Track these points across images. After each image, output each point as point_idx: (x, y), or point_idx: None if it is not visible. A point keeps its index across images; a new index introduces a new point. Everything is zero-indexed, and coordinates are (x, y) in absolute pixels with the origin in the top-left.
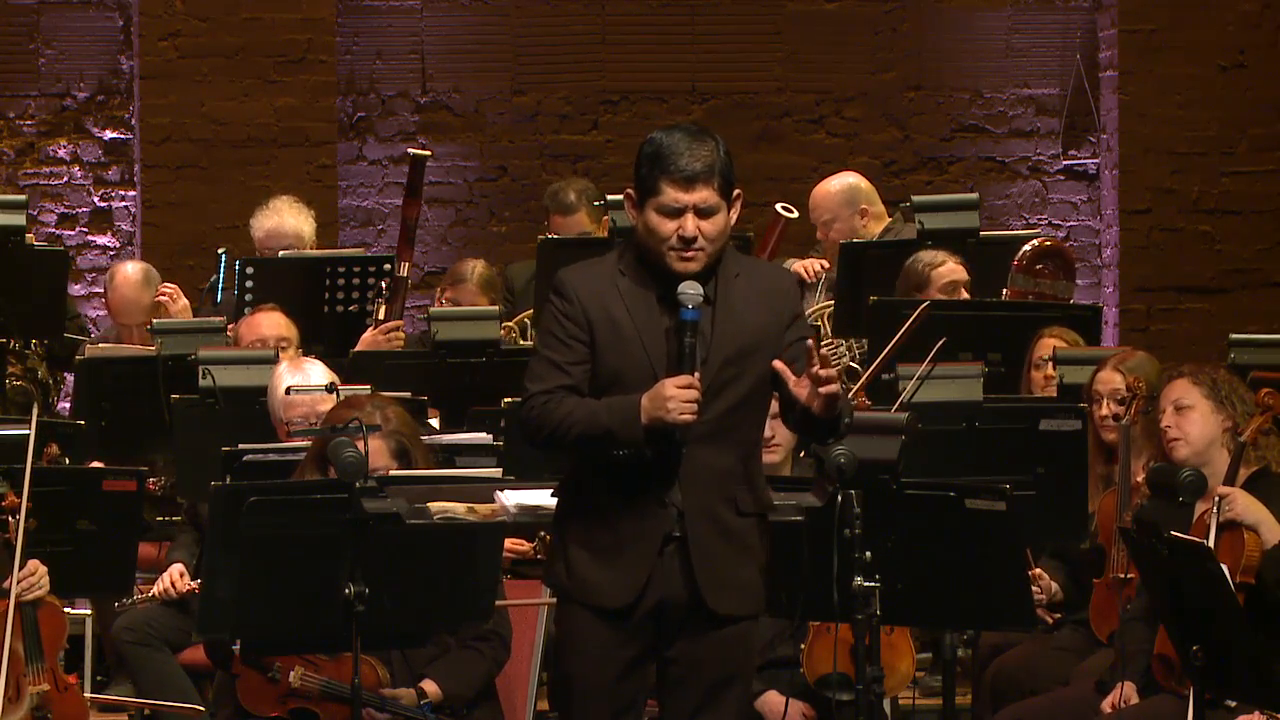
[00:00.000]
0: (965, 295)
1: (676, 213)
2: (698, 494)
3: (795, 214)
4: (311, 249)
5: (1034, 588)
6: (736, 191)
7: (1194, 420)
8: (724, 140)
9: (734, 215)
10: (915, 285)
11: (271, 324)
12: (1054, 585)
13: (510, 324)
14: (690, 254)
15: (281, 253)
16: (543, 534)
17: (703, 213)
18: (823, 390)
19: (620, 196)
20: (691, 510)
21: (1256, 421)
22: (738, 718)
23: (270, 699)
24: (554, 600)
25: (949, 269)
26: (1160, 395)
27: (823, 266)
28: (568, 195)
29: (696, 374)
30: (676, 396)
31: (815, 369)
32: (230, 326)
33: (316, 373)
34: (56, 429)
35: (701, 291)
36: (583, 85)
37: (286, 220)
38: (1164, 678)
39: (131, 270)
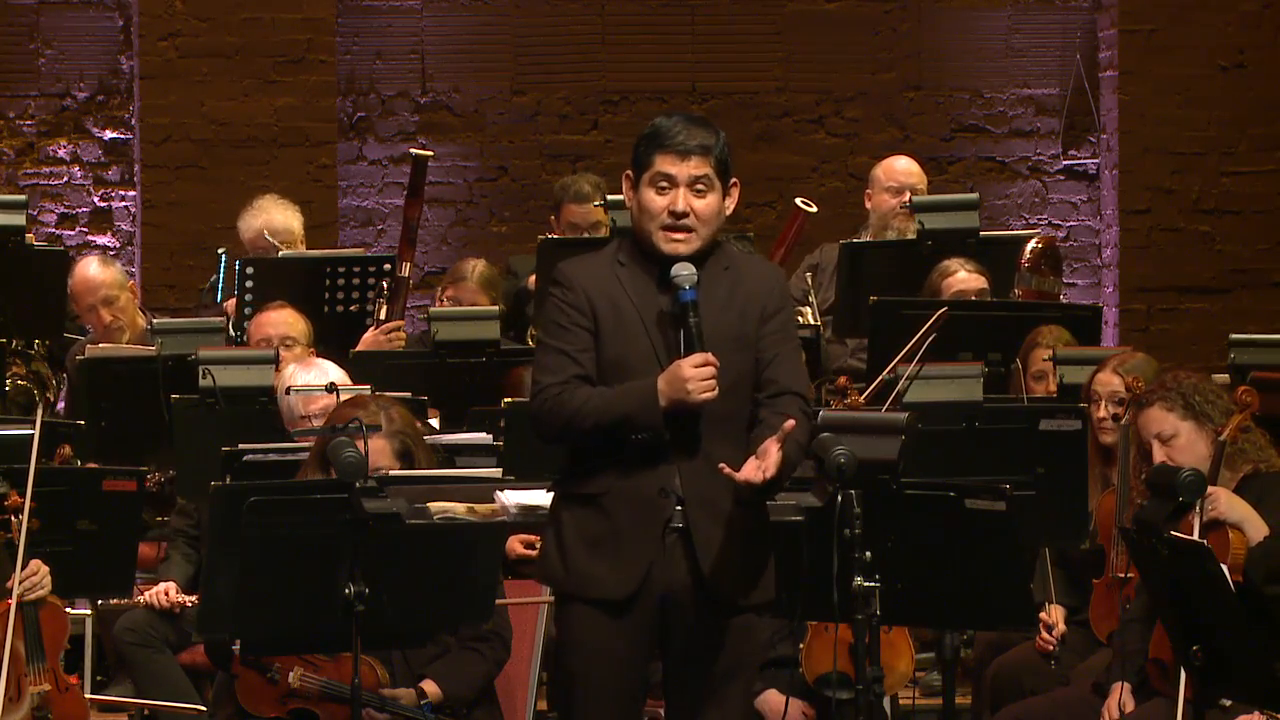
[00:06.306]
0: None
1: (669, 186)
2: (697, 482)
3: (815, 209)
4: (301, 244)
5: (1045, 633)
6: (734, 181)
7: (1183, 448)
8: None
9: (730, 204)
10: (930, 293)
11: (277, 322)
12: (1062, 626)
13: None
14: (680, 235)
15: (282, 252)
16: None
17: (696, 189)
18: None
19: (621, 196)
20: (691, 498)
21: (1235, 420)
22: (742, 713)
23: (270, 699)
24: (554, 600)
25: (958, 279)
26: (1138, 426)
27: None
28: (582, 186)
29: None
30: (695, 376)
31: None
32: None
33: (330, 369)
34: (59, 429)
35: (694, 271)
36: (583, 85)
37: (275, 216)
38: (1158, 681)
39: (88, 258)
